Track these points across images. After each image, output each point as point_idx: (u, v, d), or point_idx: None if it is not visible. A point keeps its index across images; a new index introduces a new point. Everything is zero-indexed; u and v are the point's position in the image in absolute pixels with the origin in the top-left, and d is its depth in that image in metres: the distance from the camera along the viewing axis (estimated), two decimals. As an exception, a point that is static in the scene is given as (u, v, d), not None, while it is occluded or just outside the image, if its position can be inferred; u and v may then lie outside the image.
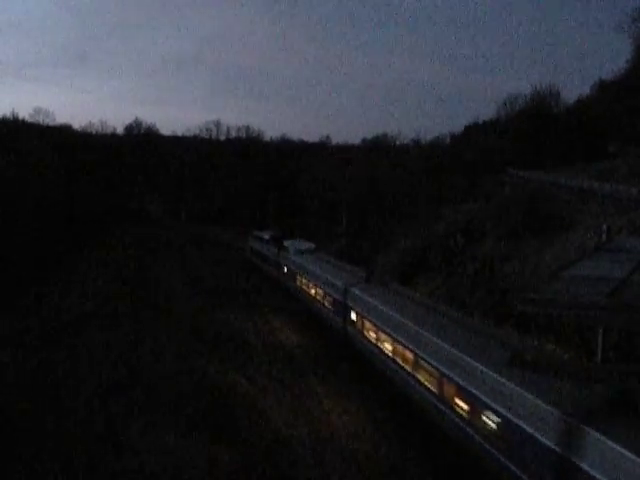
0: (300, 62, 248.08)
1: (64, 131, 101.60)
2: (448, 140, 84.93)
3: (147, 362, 22.94)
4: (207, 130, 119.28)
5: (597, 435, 10.12)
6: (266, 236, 46.13)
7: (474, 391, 14.05)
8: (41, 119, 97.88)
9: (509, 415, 12.54)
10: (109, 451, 15.73)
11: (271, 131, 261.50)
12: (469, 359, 14.63)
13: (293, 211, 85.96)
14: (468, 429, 14.46)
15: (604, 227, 17.15)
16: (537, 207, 33.68)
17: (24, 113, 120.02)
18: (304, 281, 32.74)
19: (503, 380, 13.02)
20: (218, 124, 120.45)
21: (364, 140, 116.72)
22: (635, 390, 11.05)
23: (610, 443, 9.83)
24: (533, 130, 59.66)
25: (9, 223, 39.25)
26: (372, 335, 21.87)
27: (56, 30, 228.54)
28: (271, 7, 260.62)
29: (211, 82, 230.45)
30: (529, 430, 11.79)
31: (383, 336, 20.59)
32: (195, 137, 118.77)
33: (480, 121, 77.58)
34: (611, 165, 47.42)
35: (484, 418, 13.69)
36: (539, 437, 11.50)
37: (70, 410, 18.15)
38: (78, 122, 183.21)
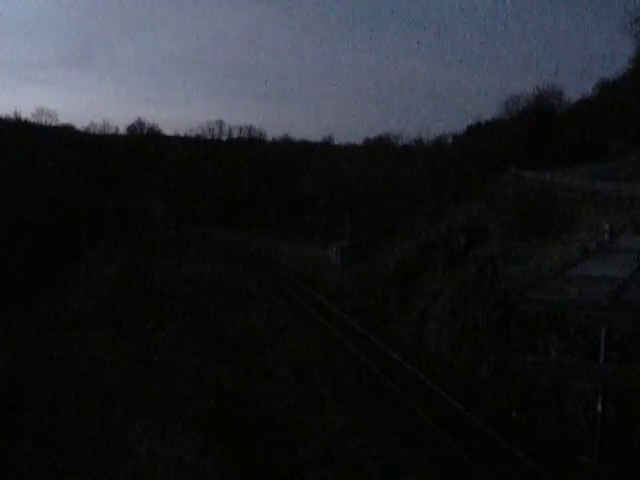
0: (303, 62, 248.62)
1: (67, 131, 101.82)
2: (450, 140, 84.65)
3: (146, 362, 22.90)
4: (210, 130, 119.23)
5: None
6: None
7: None
8: (43, 119, 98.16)
9: None
10: (110, 452, 15.68)
11: (274, 131, 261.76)
12: None
13: (295, 211, 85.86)
14: None
15: (607, 226, 16.99)
16: (540, 207, 33.55)
17: (27, 113, 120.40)
18: None
19: None
20: (221, 124, 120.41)
21: (367, 140, 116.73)
22: None
23: None
24: (536, 130, 59.42)
25: (11, 223, 39.28)
26: None
27: (58, 31, 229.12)
28: (273, 6, 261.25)
29: (214, 82, 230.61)
30: None
31: None
32: (198, 137, 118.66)
33: (482, 121, 77.24)
34: (614, 164, 47.23)
35: None
36: None
37: (70, 410, 18.12)
38: (81, 122, 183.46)
